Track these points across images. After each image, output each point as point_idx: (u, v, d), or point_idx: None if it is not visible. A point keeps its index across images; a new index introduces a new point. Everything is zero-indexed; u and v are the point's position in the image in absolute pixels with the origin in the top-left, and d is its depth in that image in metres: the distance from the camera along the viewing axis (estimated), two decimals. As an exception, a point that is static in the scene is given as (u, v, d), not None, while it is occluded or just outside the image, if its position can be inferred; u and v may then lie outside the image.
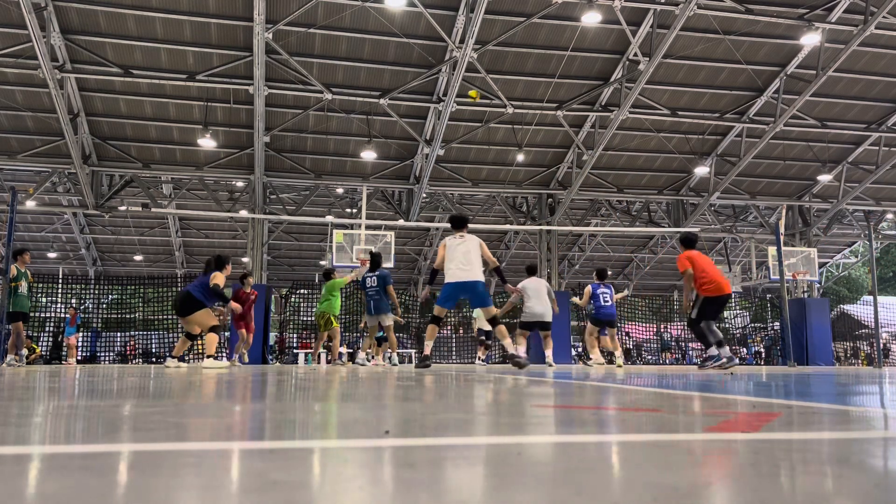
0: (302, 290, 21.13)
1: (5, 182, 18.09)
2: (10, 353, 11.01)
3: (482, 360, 16.10)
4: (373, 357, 12.68)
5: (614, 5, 13.49)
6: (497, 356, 18.87)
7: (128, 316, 21.97)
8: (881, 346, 17.44)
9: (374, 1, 13.77)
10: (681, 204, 20.76)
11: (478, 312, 15.85)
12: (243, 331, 12.74)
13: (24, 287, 10.96)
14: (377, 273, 11.34)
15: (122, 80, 15.37)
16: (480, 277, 8.28)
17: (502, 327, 8.26)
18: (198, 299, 8.93)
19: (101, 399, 2.50)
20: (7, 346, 11.15)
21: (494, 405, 2.23)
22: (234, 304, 10.25)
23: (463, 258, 8.33)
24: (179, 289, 20.61)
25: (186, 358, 19.97)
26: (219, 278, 8.95)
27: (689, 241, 9.36)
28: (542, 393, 2.91)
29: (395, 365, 11.36)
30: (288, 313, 21.38)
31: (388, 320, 11.28)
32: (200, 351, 20.15)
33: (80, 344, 19.09)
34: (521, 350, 10.98)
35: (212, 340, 8.98)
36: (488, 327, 15.68)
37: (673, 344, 25.11)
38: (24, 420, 1.70)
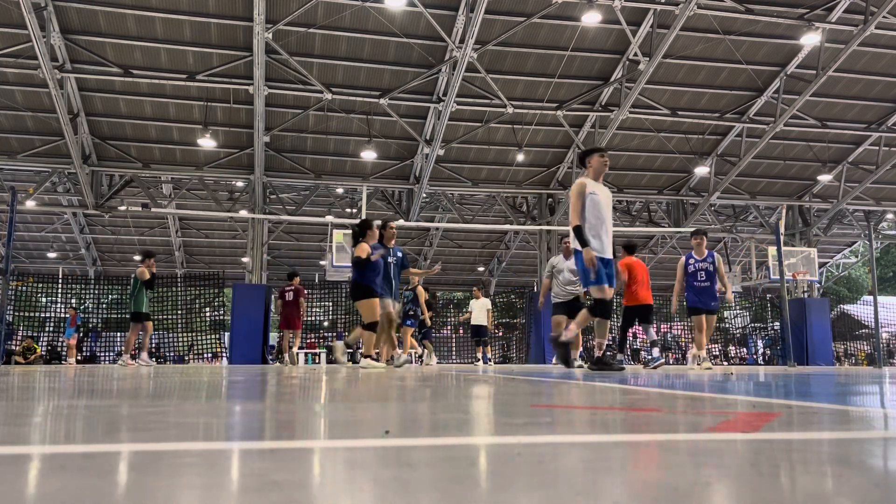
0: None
1: (5, 182, 18.11)
2: (143, 351, 11.71)
3: (479, 359, 16.03)
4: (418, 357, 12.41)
5: (614, 5, 13.50)
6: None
7: (128, 316, 21.97)
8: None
9: (374, 1, 13.77)
10: (681, 204, 20.77)
11: (472, 305, 15.63)
12: (287, 330, 13.90)
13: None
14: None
15: (122, 80, 15.38)
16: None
17: (606, 322, 6.54)
18: (364, 284, 7.91)
19: (106, 399, 2.50)
20: (132, 345, 11.70)
21: (494, 405, 2.23)
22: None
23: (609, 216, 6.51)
24: (177, 288, 20.69)
25: (186, 358, 19.99)
26: (361, 249, 7.98)
27: (631, 248, 9.93)
28: (542, 392, 2.91)
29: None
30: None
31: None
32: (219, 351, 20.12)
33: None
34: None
35: (366, 338, 7.99)
36: (483, 322, 15.52)
37: (673, 344, 25.12)
38: (25, 420, 1.70)
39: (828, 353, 19.67)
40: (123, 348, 11.48)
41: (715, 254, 9.23)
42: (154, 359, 20.14)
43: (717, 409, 2.05)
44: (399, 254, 9.17)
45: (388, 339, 9.94)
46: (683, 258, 9.29)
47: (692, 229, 10.74)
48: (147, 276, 11.23)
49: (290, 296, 13.84)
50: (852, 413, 2.00)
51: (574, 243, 6.43)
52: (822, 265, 27.21)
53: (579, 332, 9.52)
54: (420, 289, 13.13)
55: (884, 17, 14.10)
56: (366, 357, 8.00)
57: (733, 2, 14.09)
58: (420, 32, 14.78)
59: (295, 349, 13.96)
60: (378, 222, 8.90)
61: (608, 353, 6.93)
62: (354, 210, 20.45)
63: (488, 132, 17.69)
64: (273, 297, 19.47)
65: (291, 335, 14.08)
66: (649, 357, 10.00)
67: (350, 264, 8.99)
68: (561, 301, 9.65)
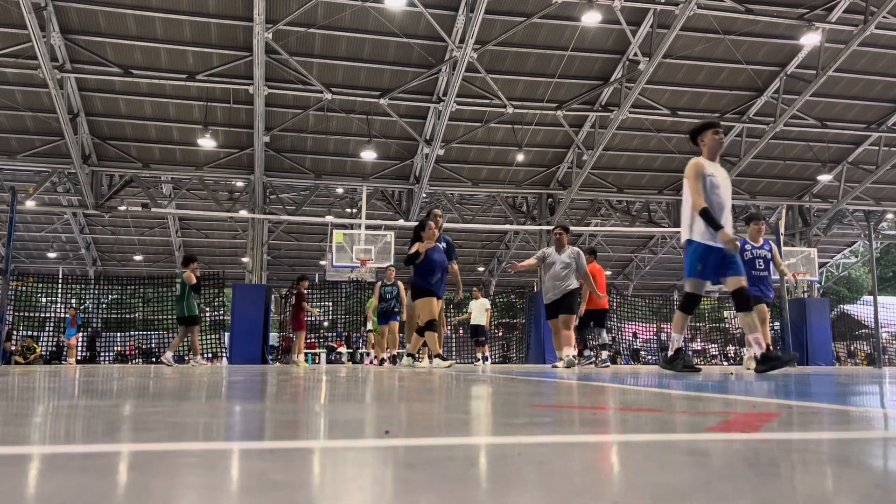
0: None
1: (5, 182, 18.10)
2: (197, 354, 12.04)
3: (479, 360, 16.03)
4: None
5: (614, 5, 13.50)
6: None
7: (128, 316, 21.96)
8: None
9: (374, 1, 13.77)
10: (681, 204, 20.75)
11: (472, 305, 15.84)
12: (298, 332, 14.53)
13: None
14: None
15: (122, 80, 15.38)
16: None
17: (751, 315, 5.83)
18: (422, 286, 7.72)
19: (116, 399, 2.50)
20: (196, 346, 12.06)
21: (494, 405, 2.23)
22: (420, 246, 8.01)
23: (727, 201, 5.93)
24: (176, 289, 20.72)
25: (186, 358, 19.98)
26: (416, 248, 7.83)
27: (593, 253, 10.55)
28: (542, 392, 2.91)
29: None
30: (287, 313, 21.36)
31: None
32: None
33: (79, 344, 19.09)
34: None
35: (430, 338, 7.79)
36: (482, 322, 15.76)
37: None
38: (26, 420, 1.70)
39: (828, 354, 19.66)
40: (191, 351, 11.92)
41: (770, 241, 8.36)
42: (154, 358, 20.15)
43: (718, 409, 2.05)
44: (442, 244, 8.61)
45: (393, 337, 10.33)
46: (738, 243, 8.57)
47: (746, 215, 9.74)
48: (194, 280, 11.48)
49: (294, 299, 14.83)
50: (852, 413, 2.00)
51: (686, 233, 5.95)
52: (822, 265, 27.20)
53: (573, 333, 9.37)
54: (402, 283, 12.34)
55: (884, 17, 14.11)
56: (435, 357, 7.87)
57: (733, 2, 14.09)
58: (420, 32, 14.78)
59: (299, 353, 14.70)
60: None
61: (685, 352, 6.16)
62: (354, 210, 20.45)
63: (488, 132, 17.69)
64: (274, 296, 19.54)
65: (293, 336, 14.94)
66: (598, 358, 10.51)
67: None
68: (552, 301, 9.00)
